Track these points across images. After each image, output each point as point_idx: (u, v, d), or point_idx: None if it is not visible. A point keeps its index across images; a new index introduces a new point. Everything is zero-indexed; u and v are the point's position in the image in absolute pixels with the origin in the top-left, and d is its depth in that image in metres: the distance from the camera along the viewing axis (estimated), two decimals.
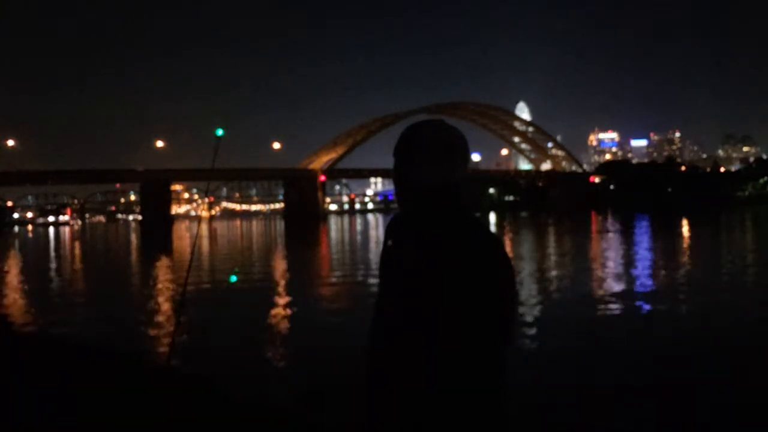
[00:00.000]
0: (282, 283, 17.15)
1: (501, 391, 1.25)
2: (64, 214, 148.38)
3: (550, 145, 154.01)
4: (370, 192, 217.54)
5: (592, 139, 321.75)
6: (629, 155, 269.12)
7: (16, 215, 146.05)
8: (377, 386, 1.36)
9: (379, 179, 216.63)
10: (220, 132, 3.57)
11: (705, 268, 17.12)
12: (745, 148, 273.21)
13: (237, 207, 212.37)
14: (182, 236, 54.11)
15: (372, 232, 44.91)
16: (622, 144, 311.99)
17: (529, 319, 9.96)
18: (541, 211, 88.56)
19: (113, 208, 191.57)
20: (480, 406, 1.23)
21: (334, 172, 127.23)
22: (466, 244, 1.29)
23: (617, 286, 13.57)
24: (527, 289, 13.33)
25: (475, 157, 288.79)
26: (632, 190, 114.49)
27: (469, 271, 1.25)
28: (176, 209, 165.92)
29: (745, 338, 8.37)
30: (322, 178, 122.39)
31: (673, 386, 6.24)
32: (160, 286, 16.60)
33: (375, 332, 1.44)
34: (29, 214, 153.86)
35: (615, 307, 11.04)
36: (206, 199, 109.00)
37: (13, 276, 21.07)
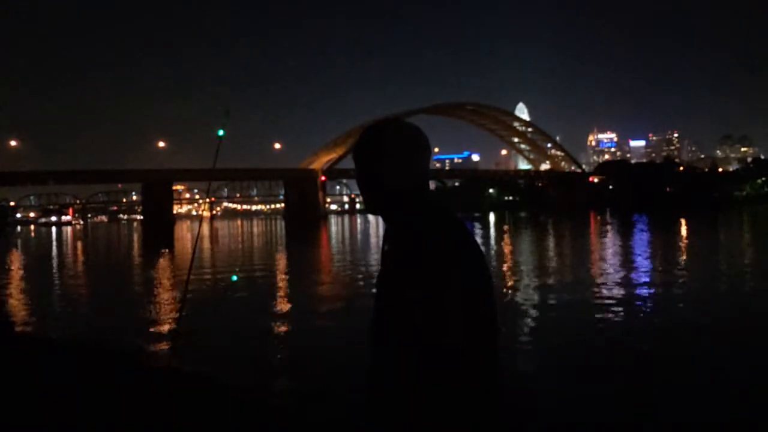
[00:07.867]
0: (282, 283, 17.23)
1: (463, 390, 1.24)
2: (66, 214, 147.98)
3: (549, 145, 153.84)
4: None
5: (591, 140, 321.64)
6: (628, 155, 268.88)
7: (18, 215, 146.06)
8: (367, 382, 1.40)
9: None
10: (221, 132, 3.65)
11: (700, 267, 17.15)
12: (743, 149, 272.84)
13: (238, 207, 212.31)
14: (183, 236, 54.14)
15: (372, 232, 44.92)
16: (621, 144, 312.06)
17: (516, 313, 10.07)
18: (541, 211, 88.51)
19: (115, 208, 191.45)
20: (431, 397, 1.22)
21: (334, 173, 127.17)
22: (425, 239, 1.30)
23: (610, 285, 13.62)
24: (518, 287, 13.44)
25: (475, 157, 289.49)
26: (631, 190, 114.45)
27: (424, 266, 1.26)
28: (178, 209, 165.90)
29: (744, 336, 8.44)
30: (323, 178, 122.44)
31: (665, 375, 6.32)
32: (161, 286, 16.67)
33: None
34: (32, 214, 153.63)
35: (608, 305, 11.09)
36: (207, 199, 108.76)
37: (15, 276, 21.13)
